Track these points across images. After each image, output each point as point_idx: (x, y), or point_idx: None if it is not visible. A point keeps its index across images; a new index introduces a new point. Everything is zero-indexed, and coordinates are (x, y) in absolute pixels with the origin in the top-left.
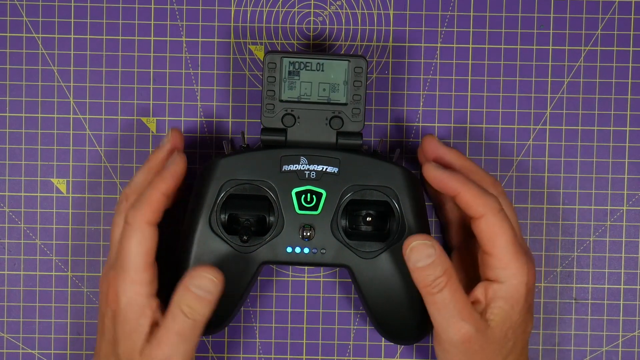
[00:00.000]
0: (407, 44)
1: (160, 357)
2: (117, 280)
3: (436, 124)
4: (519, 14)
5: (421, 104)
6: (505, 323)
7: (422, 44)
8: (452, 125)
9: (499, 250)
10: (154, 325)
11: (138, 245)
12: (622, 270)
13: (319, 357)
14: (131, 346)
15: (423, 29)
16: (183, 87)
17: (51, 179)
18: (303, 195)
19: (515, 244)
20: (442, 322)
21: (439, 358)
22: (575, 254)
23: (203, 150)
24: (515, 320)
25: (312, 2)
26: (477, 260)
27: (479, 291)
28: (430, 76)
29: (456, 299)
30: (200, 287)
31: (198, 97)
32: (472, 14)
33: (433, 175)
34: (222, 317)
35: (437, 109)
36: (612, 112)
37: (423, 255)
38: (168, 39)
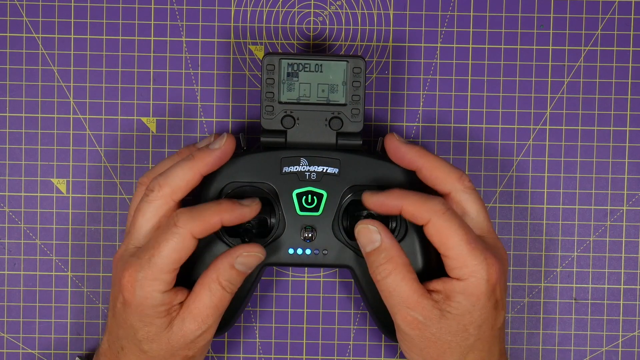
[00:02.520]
0: (407, 44)
1: (195, 332)
2: (139, 272)
3: (436, 124)
4: (519, 14)
5: (421, 104)
6: (464, 317)
7: (422, 44)
8: (452, 125)
9: (453, 251)
10: (167, 314)
11: (173, 251)
12: (622, 270)
13: (319, 357)
14: (154, 331)
15: (423, 29)
16: (183, 87)
17: (51, 179)
18: (304, 197)
19: (469, 242)
20: (391, 308)
21: (400, 342)
22: (575, 254)
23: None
24: (477, 317)
25: (312, 2)
26: None
27: (438, 283)
28: (430, 76)
29: (403, 287)
30: (246, 264)
31: (198, 97)
32: (472, 14)
33: (371, 202)
34: (225, 320)
35: (437, 109)
36: (612, 112)
37: (368, 240)
38: (168, 39)
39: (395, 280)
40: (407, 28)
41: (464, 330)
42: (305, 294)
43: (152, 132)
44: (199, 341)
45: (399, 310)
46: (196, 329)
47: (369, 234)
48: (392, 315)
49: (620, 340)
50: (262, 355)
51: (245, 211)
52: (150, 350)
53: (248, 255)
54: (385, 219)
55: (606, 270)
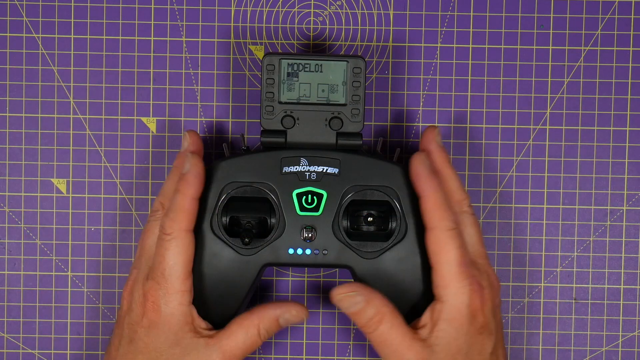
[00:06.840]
0: (407, 44)
1: None
2: (158, 291)
3: (436, 124)
4: (519, 14)
5: (421, 104)
6: (450, 347)
7: (422, 44)
8: (452, 125)
9: (441, 267)
10: (195, 332)
11: (178, 255)
12: (622, 270)
13: (319, 357)
14: (178, 353)
15: (423, 29)
16: (183, 87)
17: (51, 179)
18: (304, 197)
19: (460, 264)
20: (385, 357)
21: None
22: (575, 254)
23: (203, 150)
24: (461, 344)
25: (312, 2)
26: None
27: (426, 314)
28: (430, 76)
29: (394, 334)
30: (288, 321)
31: (198, 97)
32: (472, 14)
33: (415, 165)
34: (224, 320)
35: (437, 109)
36: (612, 112)
37: (351, 304)
38: (168, 39)
39: (385, 329)
40: (407, 28)
41: None
42: (305, 294)
43: (152, 132)
44: None
45: (395, 357)
46: None
47: (350, 299)
48: None
49: (620, 340)
50: (262, 355)
51: (196, 172)
52: None
53: (296, 316)
54: (384, 218)
55: (606, 270)
